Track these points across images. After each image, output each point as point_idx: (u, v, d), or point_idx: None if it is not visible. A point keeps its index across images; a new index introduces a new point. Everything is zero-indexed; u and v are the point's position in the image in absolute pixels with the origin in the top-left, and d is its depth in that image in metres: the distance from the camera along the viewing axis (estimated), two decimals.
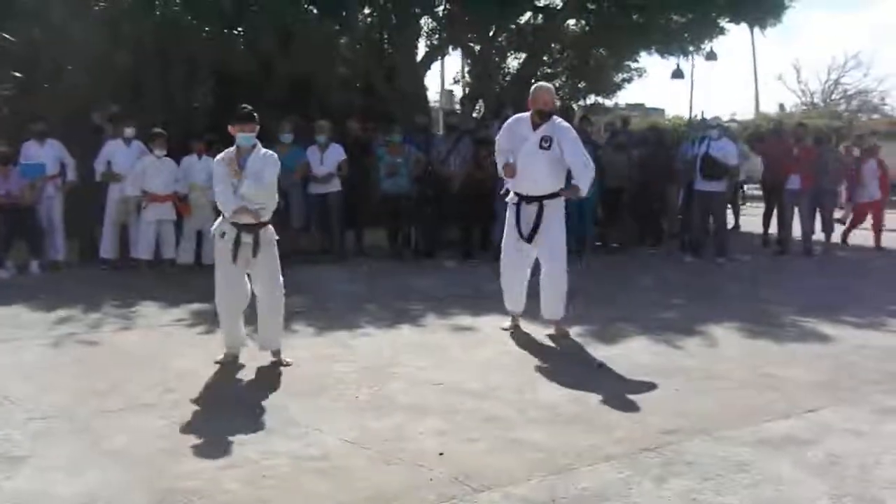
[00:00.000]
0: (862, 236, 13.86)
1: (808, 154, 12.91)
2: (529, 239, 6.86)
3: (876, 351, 6.56)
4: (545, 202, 6.81)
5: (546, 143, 6.74)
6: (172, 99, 11.85)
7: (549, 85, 7.36)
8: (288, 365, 5.99)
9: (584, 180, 6.77)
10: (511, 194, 6.95)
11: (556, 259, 6.90)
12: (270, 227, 6.13)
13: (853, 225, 14.07)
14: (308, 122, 11.80)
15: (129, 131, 10.62)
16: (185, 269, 10.48)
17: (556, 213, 6.88)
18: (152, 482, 3.89)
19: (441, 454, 4.27)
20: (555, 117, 6.89)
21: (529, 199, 6.84)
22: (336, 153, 11.49)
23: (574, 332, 7.11)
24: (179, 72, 11.92)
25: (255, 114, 5.96)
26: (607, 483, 3.90)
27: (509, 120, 7.20)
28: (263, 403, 5.14)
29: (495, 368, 5.95)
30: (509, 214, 7.03)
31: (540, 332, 7.14)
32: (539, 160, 6.76)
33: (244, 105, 6.00)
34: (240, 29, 13.24)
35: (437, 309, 7.98)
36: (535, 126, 6.81)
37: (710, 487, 3.84)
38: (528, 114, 6.90)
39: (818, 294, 9.33)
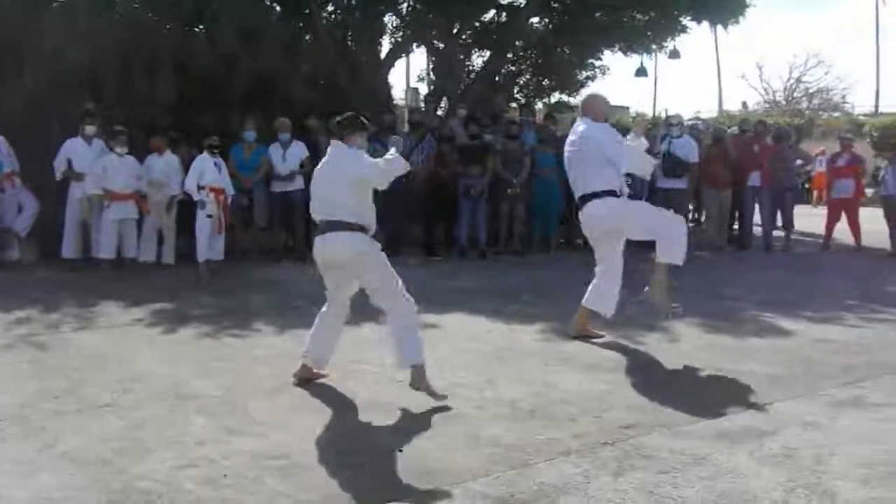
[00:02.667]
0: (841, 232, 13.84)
1: (768, 151, 13.07)
2: None
3: (833, 345, 6.65)
4: None
5: None
6: (133, 96, 11.71)
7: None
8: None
9: None
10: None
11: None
12: None
13: (829, 223, 13.32)
14: (271, 120, 11.74)
15: (89, 129, 10.50)
16: (146, 268, 10.39)
17: None
18: (108, 483, 3.85)
19: (401, 451, 4.28)
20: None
21: None
22: (299, 151, 11.43)
23: (536, 328, 7.15)
24: (140, 69, 11.78)
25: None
26: (566, 477, 3.92)
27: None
28: (224, 403, 5.11)
29: (457, 366, 5.96)
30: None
31: (503, 330, 7.17)
32: None
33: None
34: (201, 26, 13.13)
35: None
36: None
37: (667, 480, 3.88)
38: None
39: (777, 289, 9.44)
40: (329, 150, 5.48)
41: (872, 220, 13.33)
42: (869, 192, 16.35)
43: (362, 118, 5.61)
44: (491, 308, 7.97)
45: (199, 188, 10.10)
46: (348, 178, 5.23)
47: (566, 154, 6.84)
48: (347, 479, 3.94)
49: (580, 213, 6.78)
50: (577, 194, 6.73)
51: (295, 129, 11.64)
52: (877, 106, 34.83)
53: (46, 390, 5.33)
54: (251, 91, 12.62)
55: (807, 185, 19.92)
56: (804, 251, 13.23)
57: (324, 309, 5.62)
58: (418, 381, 5.10)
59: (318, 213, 5.36)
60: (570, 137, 6.86)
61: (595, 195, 6.55)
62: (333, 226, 5.24)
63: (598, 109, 6.80)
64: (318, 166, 5.44)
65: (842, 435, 4.54)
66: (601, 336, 6.80)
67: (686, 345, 6.66)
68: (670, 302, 6.58)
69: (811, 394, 5.33)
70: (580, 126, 6.77)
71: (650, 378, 5.70)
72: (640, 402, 5.11)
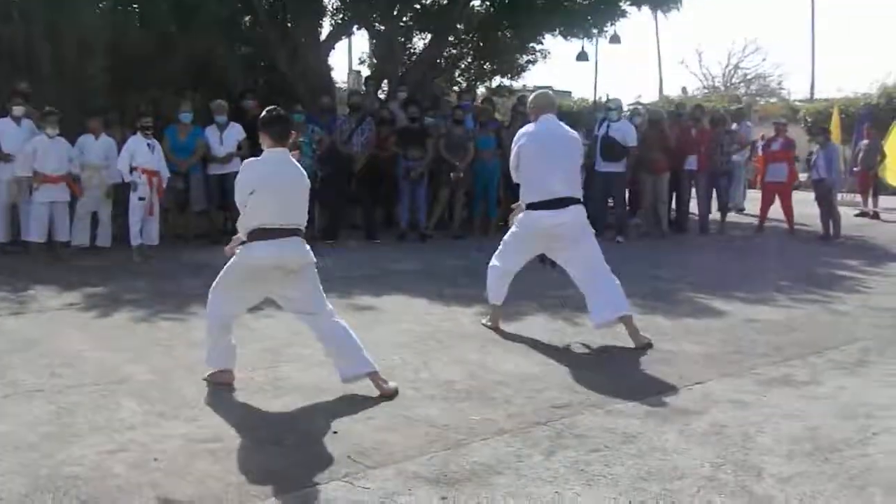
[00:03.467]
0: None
1: (704, 136, 13.27)
2: None
3: (764, 324, 6.80)
4: None
5: None
6: (65, 76, 11.42)
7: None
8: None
9: None
10: None
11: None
12: None
13: (763, 206, 13.48)
14: (207, 101, 11.56)
15: (17, 110, 10.21)
16: (80, 252, 10.18)
17: None
18: (34, 468, 3.77)
19: (335, 433, 4.27)
20: None
21: None
22: (235, 133, 11.28)
23: (474, 310, 7.17)
24: (72, 48, 11.50)
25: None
26: (499, 456, 3.96)
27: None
28: (156, 387, 5.04)
29: (393, 347, 5.96)
30: None
31: (441, 312, 7.19)
32: None
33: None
34: (135, 4, 12.86)
35: (338, 289, 7.91)
36: None
37: (597, 459, 3.94)
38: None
39: (712, 271, 9.62)
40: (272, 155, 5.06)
41: (805, 204, 13.62)
42: (802, 176, 16.72)
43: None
44: (430, 290, 7.98)
45: (132, 170, 9.91)
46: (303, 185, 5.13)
47: (545, 147, 6.25)
48: (280, 460, 3.92)
49: (555, 213, 6.19)
50: (560, 195, 6.19)
51: (231, 111, 11.48)
52: (812, 92, 35.51)
53: None
54: (187, 71, 12.42)
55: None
56: (739, 234, 13.48)
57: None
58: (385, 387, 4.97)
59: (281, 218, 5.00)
60: (555, 132, 6.35)
61: (580, 202, 6.32)
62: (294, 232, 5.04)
63: (555, 108, 6.57)
64: (270, 172, 5.00)
65: (769, 412, 4.65)
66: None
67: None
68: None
69: (741, 372, 5.45)
70: (558, 124, 6.42)
71: (584, 359, 5.77)
72: (574, 383, 5.16)
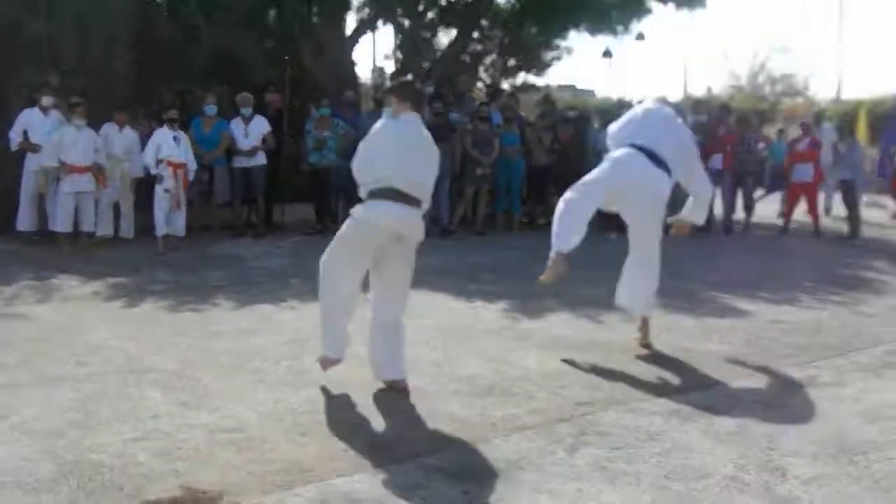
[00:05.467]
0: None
1: (730, 135, 13.19)
2: None
3: (787, 325, 6.75)
4: None
5: None
6: (93, 68, 11.51)
7: None
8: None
9: None
10: None
11: None
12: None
13: (788, 207, 13.46)
14: (232, 94, 11.63)
15: (45, 100, 10.31)
16: (103, 243, 10.27)
17: None
18: (61, 454, 3.81)
19: (357, 426, 4.28)
20: None
21: None
22: (260, 126, 11.34)
23: (498, 306, 7.17)
24: (100, 40, 11.58)
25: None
26: (521, 452, 3.94)
27: None
28: (180, 377, 5.07)
29: (416, 342, 5.92)
30: None
31: (464, 308, 7.19)
32: None
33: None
34: None
35: (363, 282, 7.95)
36: None
37: (620, 456, 3.92)
38: None
39: (736, 271, 9.55)
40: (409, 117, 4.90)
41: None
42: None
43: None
44: (452, 286, 7.99)
45: (157, 162, 9.98)
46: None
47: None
48: (303, 451, 3.93)
49: (643, 172, 5.74)
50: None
51: (256, 104, 11.54)
52: (838, 92, 35.22)
53: (0, 363, 5.25)
54: (212, 64, 12.48)
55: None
56: (763, 234, 13.38)
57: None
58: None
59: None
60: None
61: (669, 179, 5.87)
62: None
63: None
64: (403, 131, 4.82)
65: (794, 413, 4.61)
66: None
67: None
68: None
69: (765, 373, 5.41)
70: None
71: (608, 357, 5.73)
72: (597, 380, 5.14)
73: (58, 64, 11.25)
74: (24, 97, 10.52)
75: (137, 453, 3.85)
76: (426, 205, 4.89)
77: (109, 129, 10.41)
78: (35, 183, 10.31)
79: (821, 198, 13.96)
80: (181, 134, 10.25)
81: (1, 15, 10.90)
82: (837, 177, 13.77)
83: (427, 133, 4.93)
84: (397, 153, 4.74)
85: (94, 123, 10.26)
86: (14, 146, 10.29)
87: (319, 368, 5.01)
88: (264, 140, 11.29)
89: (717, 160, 12.89)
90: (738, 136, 13.22)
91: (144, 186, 10.48)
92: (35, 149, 10.21)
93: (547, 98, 15.47)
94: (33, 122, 10.28)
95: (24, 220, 10.40)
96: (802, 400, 4.88)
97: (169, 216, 10.03)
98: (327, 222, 11.83)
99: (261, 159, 11.34)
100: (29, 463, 3.72)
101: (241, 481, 3.59)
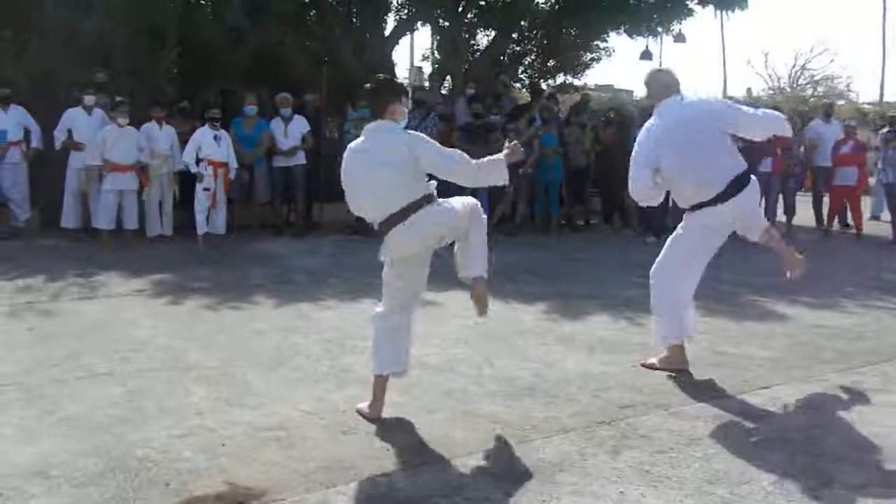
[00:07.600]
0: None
1: (781, 138, 13.01)
2: None
3: (829, 330, 6.66)
4: None
5: None
6: (138, 68, 11.67)
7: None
8: None
9: None
10: None
11: None
12: None
13: (831, 210, 13.31)
14: (272, 94, 11.72)
15: (89, 99, 10.46)
16: (146, 240, 10.41)
17: None
18: (107, 449, 3.87)
19: (399, 425, 4.30)
20: None
21: None
22: (300, 125, 11.42)
23: (538, 308, 7.16)
24: (146, 41, 11.74)
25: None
26: (563, 454, 3.94)
27: None
28: (223, 374, 5.12)
29: (456, 343, 5.98)
30: None
31: (503, 309, 7.18)
32: None
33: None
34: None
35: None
36: None
37: (663, 460, 3.90)
38: None
39: (777, 274, 9.40)
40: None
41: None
42: (871, 180, 16.33)
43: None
44: (491, 287, 7.95)
45: (198, 161, 10.09)
46: None
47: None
48: (345, 449, 3.95)
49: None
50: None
51: (295, 105, 11.62)
52: (881, 94, 34.72)
53: (47, 358, 5.35)
54: (254, 65, 12.59)
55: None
56: (805, 237, 13.21)
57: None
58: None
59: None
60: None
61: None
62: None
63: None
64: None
65: (838, 419, 4.55)
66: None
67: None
68: None
69: (808, 378, 5.34)
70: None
71: (648, 360, 5.69)
72: (639, 383, 5.12)
73: (106, 63, 11.42)
74: (72, 96, 10.67)
75: (182, 449, 3.90)
76: (431, 187, 4.59)
77: (150, 127, 10.54)
78: (78, 180, 10.47)
79: (867, 202, 13.76)
80: (223, 133, 10.35)
81: (58, 12, 11.07)
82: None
83: (403, 138, 4.49)
84: (368, 187, 4.47)
85: (138, 123, 10.40)
86: (58, 144, 10.46)
87: (360, 367, 5.03)
88: (304, 140, 11.36)
89: (766, 163, 12.74)
90: (786, 139, 13.05)
91: (183, 184, 10.61)
92: (79, 147, 10.37)
93: (584, 100, 15.40)
94: (77, 121, 10.44)
95: (69, 218, 10.57)
96: (846, 406, 4.82)
97: (209, 215, 10.13)
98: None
99: (300, 159, 11.41)
100: (76, 457, 3.78)
101: (285, 478, 3.62)
